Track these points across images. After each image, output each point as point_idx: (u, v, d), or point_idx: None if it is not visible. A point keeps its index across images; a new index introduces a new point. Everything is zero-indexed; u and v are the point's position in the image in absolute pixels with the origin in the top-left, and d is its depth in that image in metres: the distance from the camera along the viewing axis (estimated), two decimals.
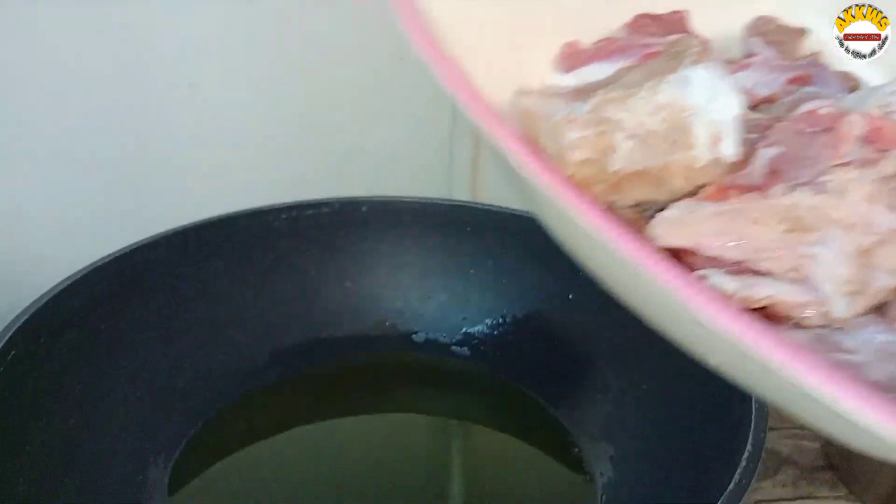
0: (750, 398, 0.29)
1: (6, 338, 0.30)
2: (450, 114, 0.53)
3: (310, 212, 0.46)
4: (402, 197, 0.47)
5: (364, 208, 0.47)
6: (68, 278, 0.35)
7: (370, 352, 0.46)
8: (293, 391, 0.43)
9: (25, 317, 0.31)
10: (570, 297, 0.44)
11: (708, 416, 0.33)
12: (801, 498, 0.39)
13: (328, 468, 0.38)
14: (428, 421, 0.43)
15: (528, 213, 0.46)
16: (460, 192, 0.56)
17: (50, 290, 0.34)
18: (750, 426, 0.28)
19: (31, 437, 0.31)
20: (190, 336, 0.41)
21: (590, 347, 0.42)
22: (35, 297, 0.33)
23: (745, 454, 0.27)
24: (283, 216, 0.45)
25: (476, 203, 0.47)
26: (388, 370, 0.43)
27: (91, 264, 0.36)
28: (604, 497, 0.35)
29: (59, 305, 0.34)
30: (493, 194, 0.54)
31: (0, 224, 0.45)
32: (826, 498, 0.39)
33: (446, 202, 0.47)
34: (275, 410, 0.41)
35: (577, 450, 0.39)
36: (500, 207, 0.47)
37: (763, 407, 0.29)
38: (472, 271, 0.47)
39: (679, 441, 0.34)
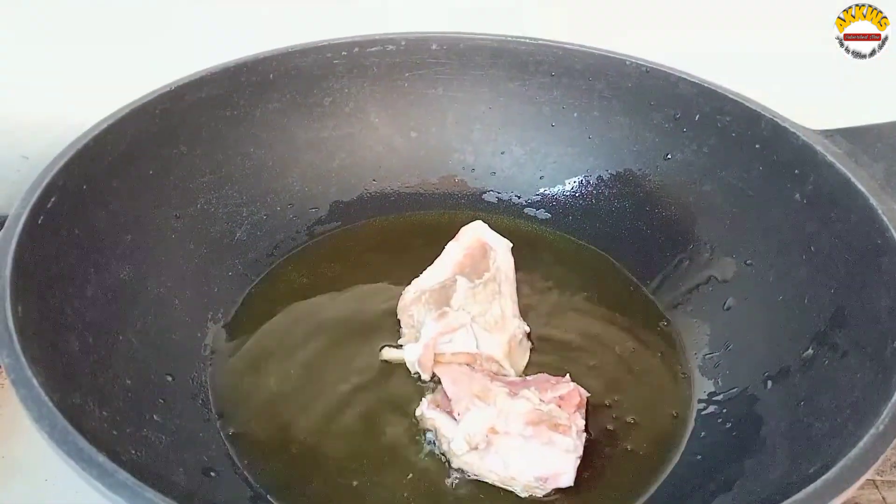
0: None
1: (45, 182, 0.27)
2: None
3: (373, 49, 0.40)
4: (476, 33, 0.41)
5: (433, 46, 0.41)
6: (107, 118, 0.31)
7: (436, 210, 0.42)
8: (354, 246, 0.40)
9: (63, 160, 0.28)
10: (669, 156, 0.38)
11: (826, 307, 0.28)
12: None
13: (390, 328, 0.35)
14: None
15: (621, 55, 0.41)
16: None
17: (88, 132, 0.30)
18: None
19: (84, 289, 0.28)
20: (245, 183, 0.37)
21: (688, 215, 0.37)
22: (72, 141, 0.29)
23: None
24: (344, 52, 0.39)
25: (563, 43, 0.40)
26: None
27: (132, 102, 0.32)
28: (701, 376, 0.32)
29: (99, 149, 0.30)
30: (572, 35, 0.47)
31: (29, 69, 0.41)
32: None
33: (528, 41, 0.41)
34: (335, 266, 0.38)
35: (665, 323, 0.35)
36: (590, 48, 0.40)
37: None
38: (553, 124, 0.41)
39: (795, 332, 0.30)
